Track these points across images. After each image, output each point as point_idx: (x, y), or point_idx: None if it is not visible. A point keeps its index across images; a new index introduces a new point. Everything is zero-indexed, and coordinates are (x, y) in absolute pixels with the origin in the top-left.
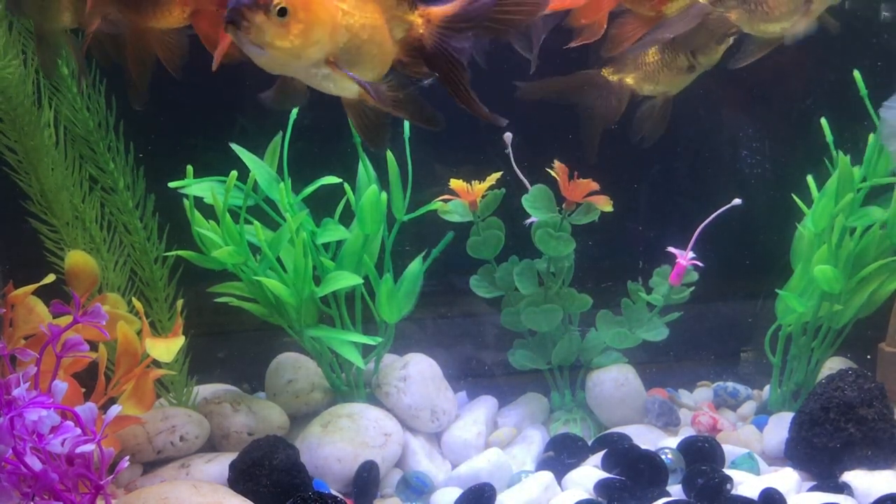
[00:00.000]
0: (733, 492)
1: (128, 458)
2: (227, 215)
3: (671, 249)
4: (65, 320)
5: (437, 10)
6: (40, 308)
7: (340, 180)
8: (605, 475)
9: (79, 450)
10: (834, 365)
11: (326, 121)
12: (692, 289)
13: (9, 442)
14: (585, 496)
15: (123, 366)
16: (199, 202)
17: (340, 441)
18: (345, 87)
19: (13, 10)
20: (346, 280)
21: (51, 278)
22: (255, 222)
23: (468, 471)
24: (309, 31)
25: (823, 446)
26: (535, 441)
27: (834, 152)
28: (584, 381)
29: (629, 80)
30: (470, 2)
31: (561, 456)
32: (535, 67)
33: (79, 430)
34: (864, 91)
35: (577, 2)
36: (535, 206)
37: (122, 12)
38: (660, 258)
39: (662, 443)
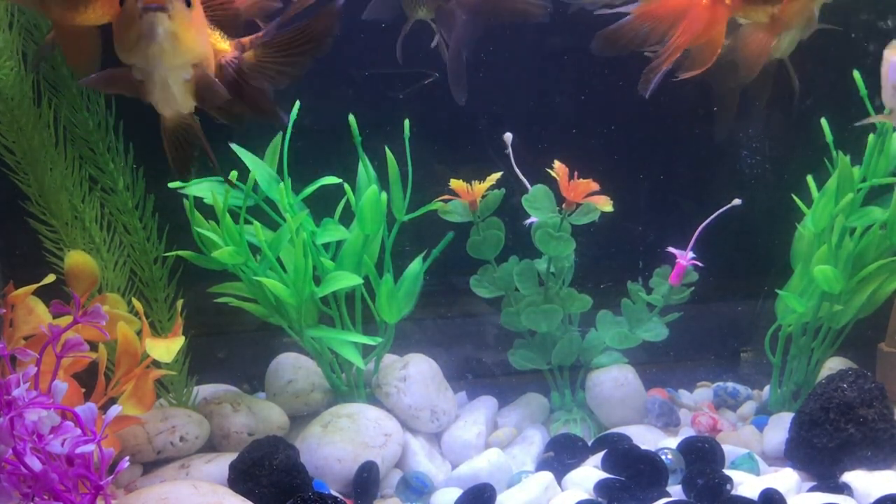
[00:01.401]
0: (733, 492)
1: (128, 458)
2: (227, 215)
3: (671, 249)
4: (65, 320)
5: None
6: (40, 308)
7: (340, 180)
8: (604, 475)
9: (79, 450)
10: (834, 365)
11: (326, 121)
12: (692, 289)
13: (9, 442)
14: (585, 496)
15: (123, 366)
16: (199, 202)
17: (340, 441)
18: (187, 100)
19: None
20: (346, 280)
21: (51, 278)
22: (255, 222)
23: (468, 471)
24: (201, 27)
25: (823, 447)
26: (535, 441)
27: (834, 152)
28: (584, 381)
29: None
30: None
31: (561, 456)
32: (463, 99)
33: (79, 431)
34: (863, 91)
35: (696, 29)
36: (535, 206)
37: (43, 6)
38: (660, 258)
39: (662, 443)
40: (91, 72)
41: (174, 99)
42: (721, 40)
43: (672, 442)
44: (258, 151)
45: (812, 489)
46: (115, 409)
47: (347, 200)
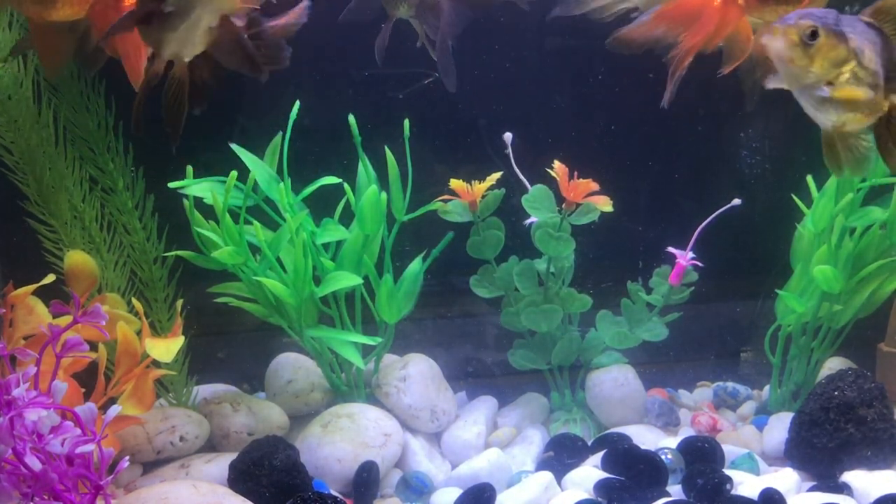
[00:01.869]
0: (733, 492)
1: (128, 458)
2: (227, 215)
3: (671, 249)
4: (65, 320)
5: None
6: (40, 308)
7: (340, 180)
8: (604, 475)
9: (79, 450)
10: (834, 365)
11: (326, 121)
12: (692, 289)
13: (9, 442)
14: (585, 496)
15: (123, 366)
16: (199, 202)
17: (340, 441)
18: (197, 48)
19: None
20: (345, 280)
21: (51, 278)
22: (255, 222)
23: (468, 471)
24: None
25: (823, 446)
26: (534, 441)
27: None
28: (584, 381)
29: None
30: None
31: (561, 456)
32: (453, 86)
33: (79, 430)
34: None
35: (708, 31)
36: (535, 206)
37: (17, 2)
38: (660, 258)
39: (662, 443)
40: (60, 72)
41: (192, 43)
42: (748, 37)
43: (672, 442)
44: (258, 151)
45: (812, 489)
46: (114, 409)
47: (347, 200)
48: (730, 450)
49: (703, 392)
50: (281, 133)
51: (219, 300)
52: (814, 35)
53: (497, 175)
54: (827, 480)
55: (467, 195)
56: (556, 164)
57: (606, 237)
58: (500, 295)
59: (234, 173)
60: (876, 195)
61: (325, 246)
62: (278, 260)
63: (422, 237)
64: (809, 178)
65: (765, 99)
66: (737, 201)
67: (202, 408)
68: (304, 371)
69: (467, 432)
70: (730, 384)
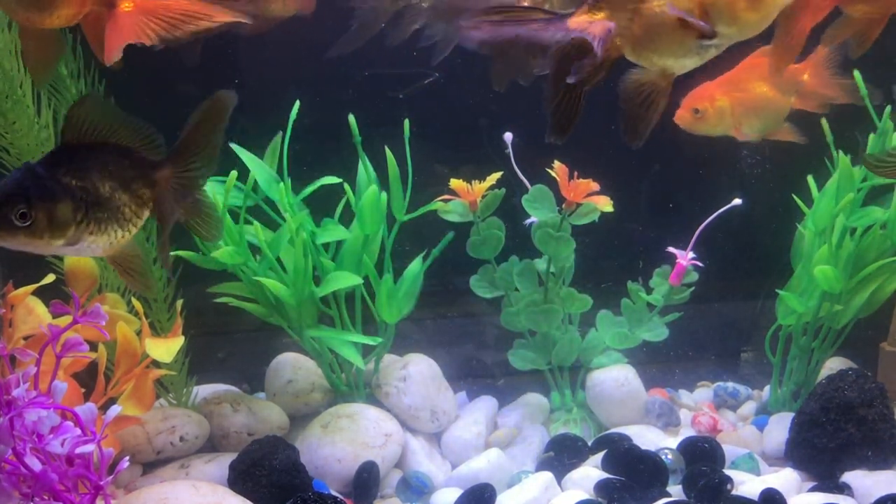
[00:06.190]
0: (734, 492)
1: (127, 458)
2: (227, 215)
3: (671, 249)
4: (65, 320)
5: None
6: (40, 308)
7: (340, 180)
8: (605, 475)
9: (78, 450)
10: (834, 365)
11: (326, 121)
12: (692, 289)
13: (9, 442)
14: (585, 496)
15: (123, 366)
16: None
17: (340, 441)
18: None
19: None
20: (345, 280)
21: (51, 278)
22: (255, 222)
23: (468, 471)
24: None
25: (824, 447)
26: (535, 441)
27: (834, 152)
28: (584, 381)
29: None
30: None
31: (561, 456)
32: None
33: (79, 431)
34: (864, 91)
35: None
36: (535, 206)
37: (7, 8)
38: (660, 258)
39: (662, 443)
40: (48, 77)
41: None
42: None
43: (672, 442)
44: (258, 151)
45: (812, 489)
46: (114, 409)
47: (347, 200)
48: (730, 450)
49: (704, 392)
50: (281, 133)
51: (219, 300)
52: None
53: (497, 175)
54: (827, 481)
55: (467, 195)
56: (556, 164)
57: (607, 237)
58: (500, 295)
59: (234, 173)
60: (876, 195)
61: (325, 246)
62: (278, 260)
63: (422, 237)
64: (810, 178)
65: None
66: (737, 201)
67: (202, 408)
68: (304, 371)
69: (467, 432)
70: (730, 384)
